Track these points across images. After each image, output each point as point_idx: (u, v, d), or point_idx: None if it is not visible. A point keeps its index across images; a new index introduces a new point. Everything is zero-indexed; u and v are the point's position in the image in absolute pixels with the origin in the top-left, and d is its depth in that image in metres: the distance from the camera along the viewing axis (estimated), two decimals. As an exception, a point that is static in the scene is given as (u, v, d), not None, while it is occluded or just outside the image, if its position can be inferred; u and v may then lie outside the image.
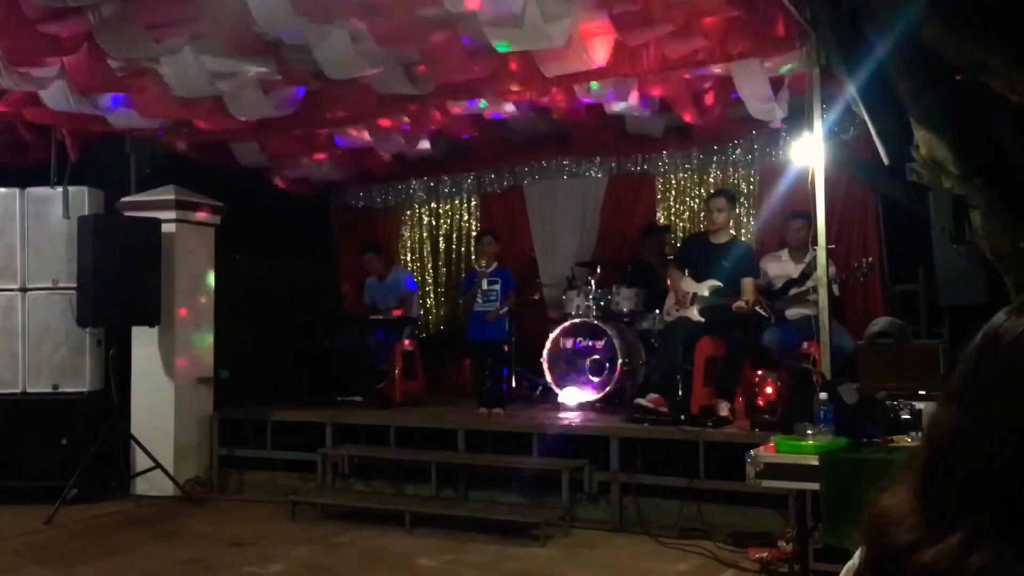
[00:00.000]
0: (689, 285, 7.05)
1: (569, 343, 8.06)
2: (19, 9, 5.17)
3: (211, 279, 8.19)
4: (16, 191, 7.68)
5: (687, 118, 7.62)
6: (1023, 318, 0.82)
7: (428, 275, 10.50)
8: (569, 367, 8.01)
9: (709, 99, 7.35)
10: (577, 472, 6.42)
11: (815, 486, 4.39)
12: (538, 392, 8.47)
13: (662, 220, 9.20)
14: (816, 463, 4.35)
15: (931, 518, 0.79)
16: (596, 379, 7.85)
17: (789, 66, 6.29)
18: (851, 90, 5.52)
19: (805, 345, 6.65)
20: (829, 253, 5.89)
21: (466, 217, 10.39)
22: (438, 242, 10.52)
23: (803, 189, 5.98)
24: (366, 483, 7.39)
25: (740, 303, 6.69)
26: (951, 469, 0.80)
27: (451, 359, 9.57)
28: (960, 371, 0.84)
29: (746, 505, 5.84)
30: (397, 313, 8.78)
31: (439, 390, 9.12)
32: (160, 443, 7.50)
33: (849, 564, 0.94)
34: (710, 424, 6.33)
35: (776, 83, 6.64)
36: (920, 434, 4.35)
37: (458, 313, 9.92)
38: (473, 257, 9.18)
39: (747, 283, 6.82)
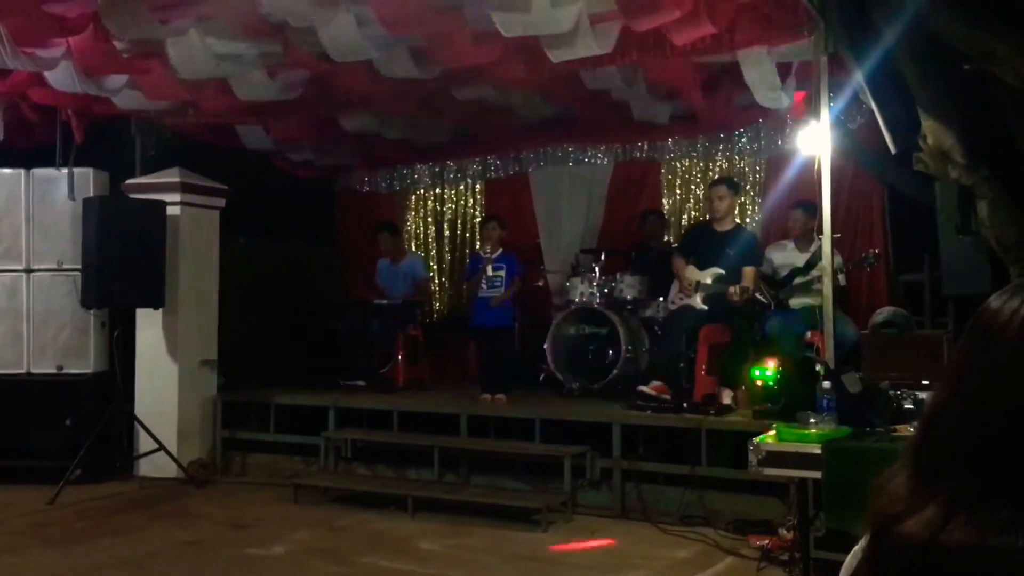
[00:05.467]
0: (693, 273, 7.03)
1: (572, 329, 8.05)
2: (25, -11, 5.16)
3: (215, 262, 8.19)
4: (21, 172, 7.68)
5: (693, 105, 7.59)
6: (1012, 298, 0.87)
7: (432, 260, 10.50)
8: (572, 353, 8.01)
9: (716, 86, 7.31)
10: (579, 458, 6.43)
11: (817, 474, 4.39)
12: (541, 378, 8.47)
13: (667, 207, 9.18)
14: (819, 452, 4.36)
15: (916, 490, 0.84)
16: (599, 366, 7.84)
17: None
18: (859, 78, 5.49)
19: (809, 334, 6.63)
20: (834, 242, 5.88)
21: (471, 202, 10.39)
22: (443, 227, 10.52)
23: (809, 178, 5.96)
24: (368, 467, 7.41)
25: (733, 289, 6.66)
26: (930, 441, 0.86)
27: (454, 344, 9.56)
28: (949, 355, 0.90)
29: (747, 493, 5.85)
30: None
31: (442, 375, 9.11)
32: (163, 425, 7.52)
33: (856, 548, 0.95)
34: (712, 412, 6.33)
35: (783, 71, 6.61)
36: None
37: (462, 298, 9.92)
38: (478, 243, 9.16)
39: (747, 271, 6.80)
